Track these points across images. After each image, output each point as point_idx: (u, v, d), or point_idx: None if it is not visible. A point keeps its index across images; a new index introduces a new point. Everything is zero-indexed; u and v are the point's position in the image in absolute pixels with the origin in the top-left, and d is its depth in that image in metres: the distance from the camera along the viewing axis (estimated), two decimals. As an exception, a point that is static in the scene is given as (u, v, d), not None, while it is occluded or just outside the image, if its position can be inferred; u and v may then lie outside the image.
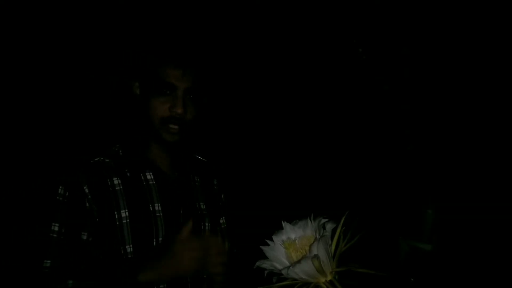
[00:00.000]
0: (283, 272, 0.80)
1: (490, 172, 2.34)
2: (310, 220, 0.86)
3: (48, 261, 1.22)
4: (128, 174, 1.30)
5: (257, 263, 0.85)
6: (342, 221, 0.85)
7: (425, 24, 2.50)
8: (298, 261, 0.78)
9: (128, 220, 1.25)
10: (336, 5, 2.59)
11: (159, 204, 1.30)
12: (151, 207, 1.28)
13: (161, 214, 1.29)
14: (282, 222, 0.89)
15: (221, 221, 1.49)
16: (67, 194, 1.24)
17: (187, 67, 1.27)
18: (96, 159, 1.30)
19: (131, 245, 1.25)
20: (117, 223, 1.25)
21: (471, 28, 2.41)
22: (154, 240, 1.26)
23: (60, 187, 1.25)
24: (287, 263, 0.82)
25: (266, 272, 0.84)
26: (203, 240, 1.22)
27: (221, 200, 1.49)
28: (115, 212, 1.25)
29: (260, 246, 0.86)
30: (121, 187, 1.28)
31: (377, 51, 2.61)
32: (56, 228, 1.23)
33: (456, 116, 2.45)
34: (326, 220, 0.85)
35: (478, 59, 2.41)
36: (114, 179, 1.28)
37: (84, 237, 1.24)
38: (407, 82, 2.55)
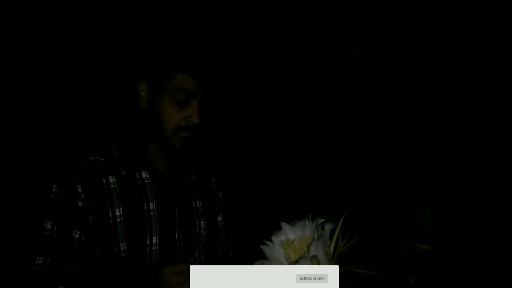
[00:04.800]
0: (282, 272, 0.79)
1: (490, 172, 2.34)
2: (309, 221, 0.86)
3: (41, 258, 1.23)
4: (123, 173, 1.30)
5: (256, 263, 0.85)
6: (341, 221, 0.85)
7: (423, 25, 2.51)
8: (297, 261, 0.78)
9: (122, 219, 1.26)
10: (335, 5, 2.59)
11: (154, 203, 1.30)
12: (145, 206, 1.28)
13: (155, 213, 1.29)
14: (281, 223, 0.88)
15: (219, 219, 1.49)
16: (60, 193, 1.26)
17: (204, 75, 1.25)
18: (91, 159, 1.31)
19: (124, 244, 1.25)
20: (111, 221, 1.25)
21: (469, 29, 2.41)
22: (148, 238, 1.26)
23: (55, 185, 1.27)
24: (286, 264, 0.82)
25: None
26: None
27: (219, 198, 1.49)
28: (109, 211, 1.26)
29: (260, 246, 0.86)
30: (116, 185, 1.28)
31: (375, 52, 2.61)
32: (49, 226, 1.25)
33: (454, 116, 2.46)
34: (324, 220, 0.84)
35: (476, 59, 2.41)
36: (109, 177, 1.28)
37: (77, 236, 1.25)
38: (405, 82, 2.56)
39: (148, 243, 1.27)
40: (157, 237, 1.28)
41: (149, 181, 1.32)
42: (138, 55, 1.34)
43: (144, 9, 2.37)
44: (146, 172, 1.33)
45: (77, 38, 2.40)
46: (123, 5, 2.36)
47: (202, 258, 1.35)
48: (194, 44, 1.31)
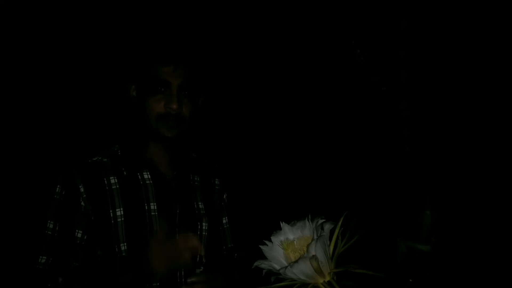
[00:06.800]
0: (281, 272, 0.79)
1: (489, 172, 2.34)
2: (308, 221, 0.86)
3: (44, 257, 1.25)
4: (125, 173, 1.31)
5: (256, 263, 0.85)
6: (341, 221, 0.85)
7: (423, 26, 2.51)
8: (296, 261, 0.78)
9: (123, 219, 1.26)
10: (335, 6, 2.59)
11: (155, 203, 1.30)
12: (146, 206, 1.29)
13: (156, 213, 1.29)
14: (281, 223, 0.88)
15: (224, 221, 1.49)
16: (63, 193, 1.26)
17: (179, 63, 1.29)
18: (94, 159, 1.32)
19: (125, 243, 1.26)
20: (112, 221, 1.26)
21: (469, 29, 2.41)
22: (148, 238, 1.27)
23: (58, 186, 1.27)
24: (286, 264, 0.82)
25: (264, 271, 0.84)
26: (175, 240, 1.20)
27: (224, 200, 1.49)
28: (110, 211, 1.26)
29: (260, 246, 0.86)
30: (117, 186, 1.29)
31: (375, 52, 2.61)
32: (51, 226, 1.26)
33: (454, 117, 2.46)
34: (324, 220, 0.84)
35: (475, 59, 2.42)
36: (110, 178, 1.29)
37: (79, 235, 1.25)
38: (404, 83, 2.55)
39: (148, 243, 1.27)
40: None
41: (151, 181, 1.32)
42: (126, 59, 1.41)
43: (128, 10, 2.38)
44: (148, 173, 1.33)
45: (79, 41, 2.40)
46: (113, 11, 2.38)
47: (203, 260, 1.35)
48: (167, 34, 1.36)
